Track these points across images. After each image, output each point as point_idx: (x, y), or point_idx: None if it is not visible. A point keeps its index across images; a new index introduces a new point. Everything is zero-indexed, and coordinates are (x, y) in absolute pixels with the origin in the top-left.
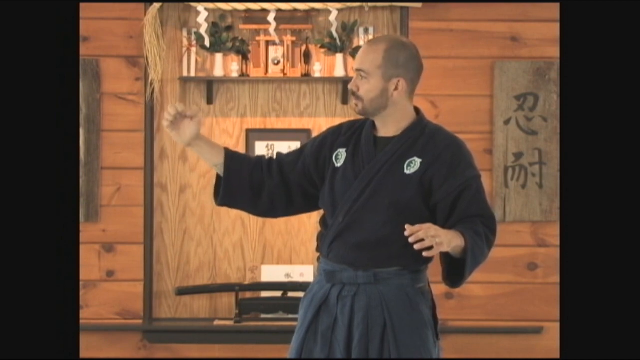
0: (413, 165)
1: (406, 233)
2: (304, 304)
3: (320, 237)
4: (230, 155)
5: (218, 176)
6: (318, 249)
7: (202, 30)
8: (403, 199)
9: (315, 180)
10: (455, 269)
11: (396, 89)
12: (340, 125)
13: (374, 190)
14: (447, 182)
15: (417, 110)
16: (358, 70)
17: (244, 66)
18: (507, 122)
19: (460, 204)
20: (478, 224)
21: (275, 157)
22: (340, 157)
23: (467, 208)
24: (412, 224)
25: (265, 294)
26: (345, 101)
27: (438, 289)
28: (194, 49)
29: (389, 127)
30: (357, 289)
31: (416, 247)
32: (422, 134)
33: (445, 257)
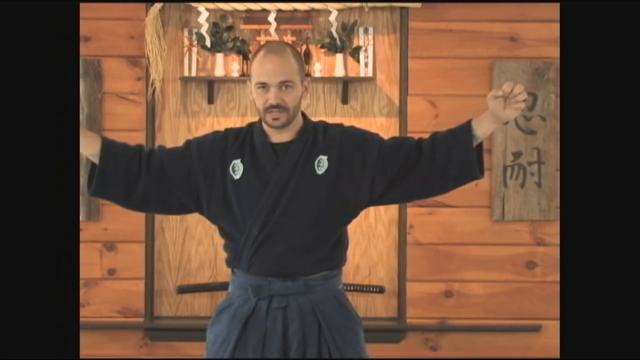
0: (322, 165)
1: (513, 89)
2: (223, 319)
3: (231, 252)
4: (107, 145)
5: (93, 165)
6: (229, 264)
7: (203, 31)
8: (322, 200)
9: (200, 194)
10: (476, 155)
11: (306, 89)
12: (225, 136)
13: (290, 197)
14: (368, 158)
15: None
16: (283, 82)
17: (245, 66)
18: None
19: (394, 152)
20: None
21: (156, 151)
22: (237, 168)
23: (400, 144)
24: (336, 222)
25: None
26: (345, 101)
27: (437, 287)
28: (194, 49)
29: (284, 132)
30: (287, 300)
31: (520, 104)
32: (316, 133)
33: (475, 147)
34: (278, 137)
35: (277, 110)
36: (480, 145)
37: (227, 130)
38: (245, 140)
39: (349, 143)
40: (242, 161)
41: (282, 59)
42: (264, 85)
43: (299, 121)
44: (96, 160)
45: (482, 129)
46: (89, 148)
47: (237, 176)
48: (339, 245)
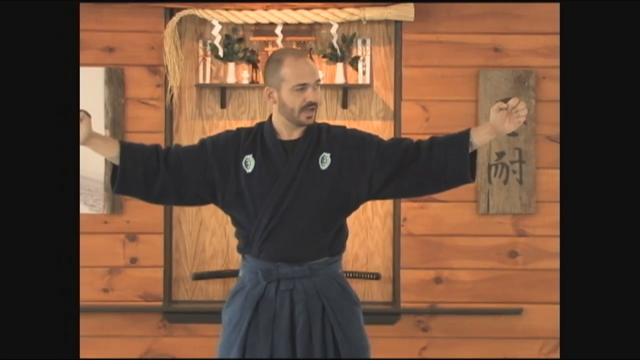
0: (325, 161)
1: (513, 103)
2: (237, 302)
3: (243, 239)
4: (125, 148)
5: (114, 166)
6: (240, 250)
7: (216, 42)
8: (325, 194)
9: (215, 187)
10: (470, 161)
11: None
12: (237, 134)
13: (297, 190)
14: (367, 156)
15: None
16: (317, 81)
17: (254, 74)
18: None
19: (392, 151)
20: (424, 140)
21: (173, 149)
22: (249, 162)
23: (397, 144)
24: (338, 214)
25: None
26: (345, 105)
27: (428, 274)
28: (209, 59)
29: (294, 131)
30: (294, 283)
31: (522, 119)
32: (320, 132)
33: (471, 154)
34: (288, 135)
35: (313, 108)
36: (475, 152)
37: (238, 129)
38: (256, 137)
39: (350, 143)
40: (253, 156)
41: (310, 60)
42: (303, 86)
43: None
44: (117, 162)
45: (479, 139)
46: (108, 152)
47: (249, 170)
48: (340, 234)
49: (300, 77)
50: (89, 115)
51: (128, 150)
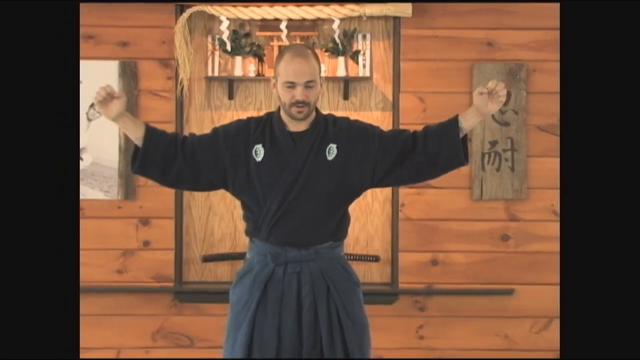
0: (332, 152)
1: (496, 86)
2: (245, 282)
3: (252, 223)
4: (149, 131)
5: (136, 147)
6: (249, 233)
7: (224, 37)
8: (331, 184)
9: (226, 173)
10: (462, 145)
11: (321, 86)
12: (248, 123)
13: (305, 179)
14: (370, 147)
15: None
16: (308, 82)
17: (260, 67)
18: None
19: (392, 142)
20: (418, 131)
21: (189, 138)
22: (259, 152)
23: (397, 136)
24: (342, 201)
25: None
26: (346, 97)
27: (425, 257)
28: (217, 53)
29: (300, 122)
30: (301, 265)
31: (502, 98)
32: (326, 124)
33: (461, 139)
34: (295, 126)
35: (301, 105)
36: (465, 136)
37: (249, 119)
38: (265, 127)
39: (354, 134)
40: (263, 146)
41: (307, 61)
42: (292, 84)
43: (312, 113)
44: (139, 143)
45: (468, 123)
46: (134, 132)
47: (259, 159)
48: (343, 220)
49: (288, 75)
50: (124, 96)
51: (152, 134)
